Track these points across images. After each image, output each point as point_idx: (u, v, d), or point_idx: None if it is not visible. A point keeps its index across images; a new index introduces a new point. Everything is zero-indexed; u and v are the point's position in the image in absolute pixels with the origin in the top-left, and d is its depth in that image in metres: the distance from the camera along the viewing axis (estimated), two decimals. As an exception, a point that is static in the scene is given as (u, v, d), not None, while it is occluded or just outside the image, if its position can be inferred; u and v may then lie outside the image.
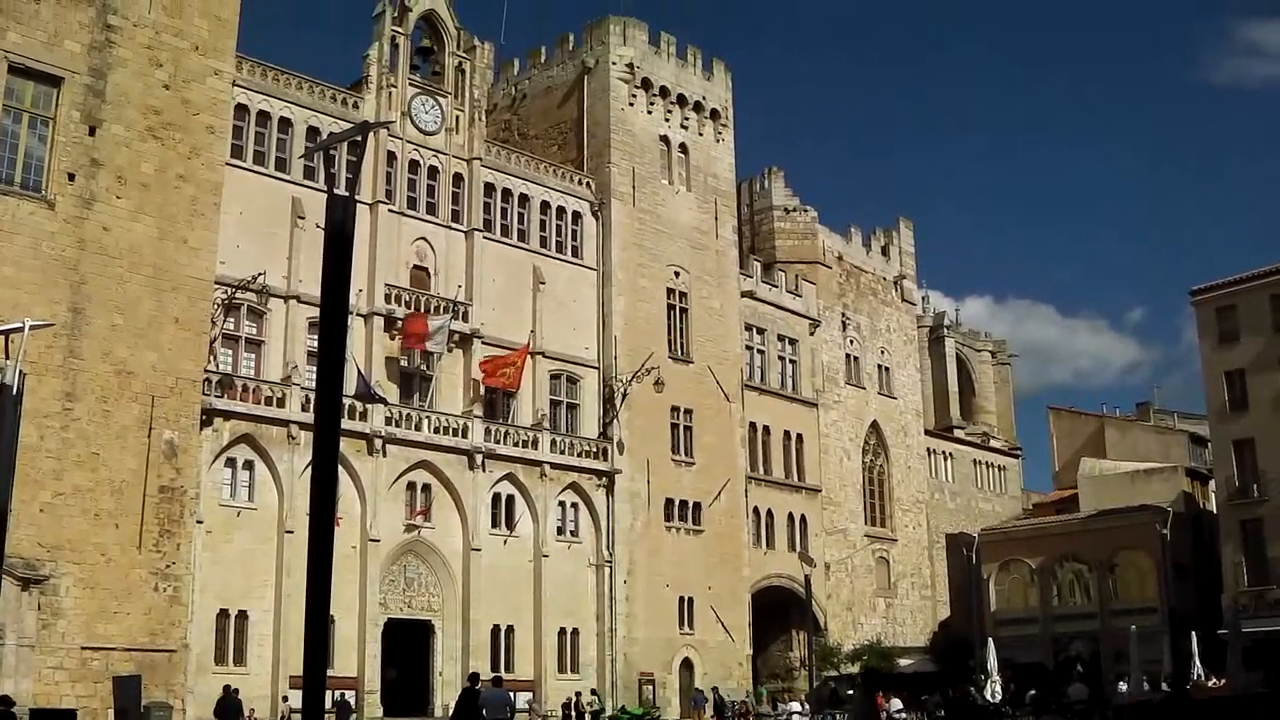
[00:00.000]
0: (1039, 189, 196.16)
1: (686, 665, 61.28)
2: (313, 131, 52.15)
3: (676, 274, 64.94)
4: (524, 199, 60.10)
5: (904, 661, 72.03)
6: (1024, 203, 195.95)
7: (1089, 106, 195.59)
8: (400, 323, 53.51)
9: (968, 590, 77.96)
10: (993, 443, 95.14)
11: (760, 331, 71.06)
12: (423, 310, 54.28)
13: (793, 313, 73.27)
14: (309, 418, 45.09)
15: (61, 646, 39.37)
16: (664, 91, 66.26)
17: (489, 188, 58.62)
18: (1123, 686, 58.98)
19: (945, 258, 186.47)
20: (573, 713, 52.40)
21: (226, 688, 41.60)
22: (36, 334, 28.98)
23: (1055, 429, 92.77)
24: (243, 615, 46.84)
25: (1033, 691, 55.62)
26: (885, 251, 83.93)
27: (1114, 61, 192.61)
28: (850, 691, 61.34)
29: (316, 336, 40.59)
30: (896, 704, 52.78)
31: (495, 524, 55.16)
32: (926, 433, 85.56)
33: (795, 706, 55.94)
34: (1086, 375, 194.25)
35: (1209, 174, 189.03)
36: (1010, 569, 75.64)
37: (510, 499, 55.94)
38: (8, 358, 23.71)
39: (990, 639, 62.34)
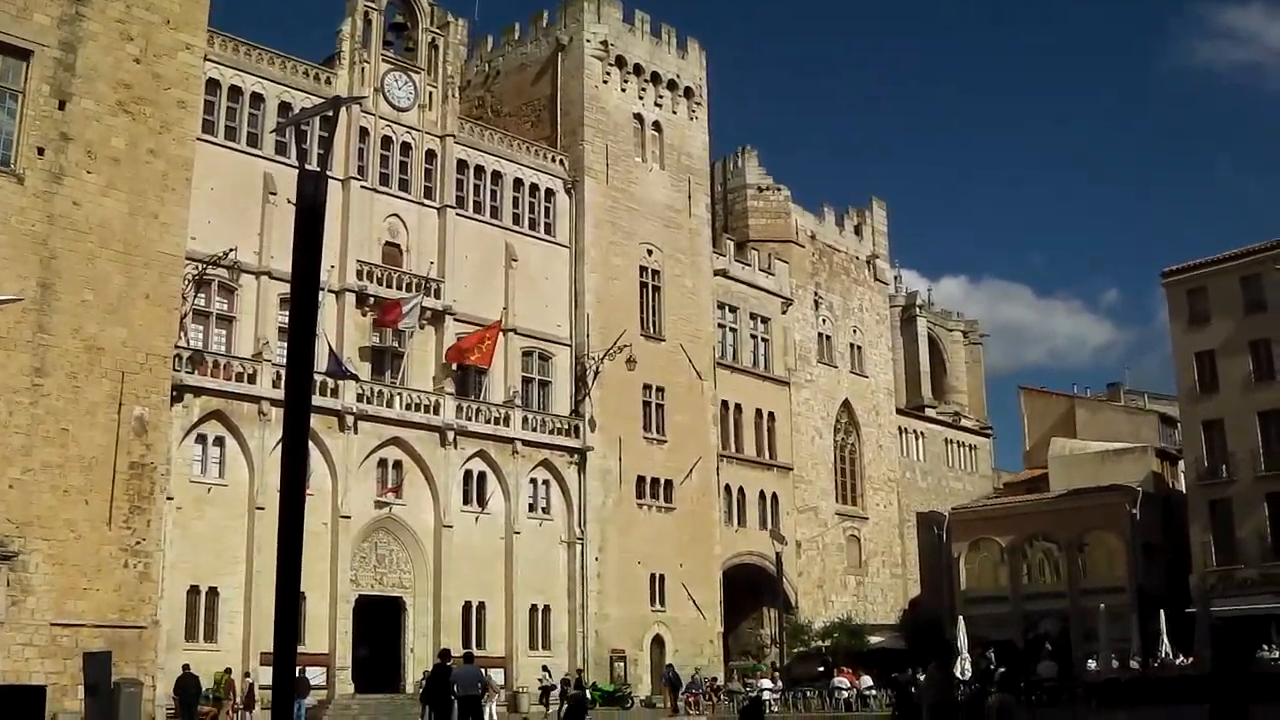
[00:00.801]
0: (1014, 170, 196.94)
1: (658, 642, 61.42)
2: (285, 107, 51.94)
3: (649, 252, 64.92)
4: (497, 176, 59.99)
5: (874, 639, 72.29)
6: (999, 184, 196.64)
7: (1063, 89, 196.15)
8: (373, 299, 53.42)
9: (938, 568, 78.34)
10: (964, 422, 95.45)
11: (733, 310, 71.12)
12: (395, 286, 54.17)
13: (765, 291, 73.35)
14: (280, 394, 44.81)
15: (31, 623, 39.22)
16: (638, 69, 66.18)
17: (462, 164, 58.49)
18: (1091, 664, 59.39)
19: (921, 238, 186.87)
20: (570, 689, 52.03)
21: (185, 667, 41.71)
22: (5, 309, 29.00)
23: (1026, 409, 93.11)
24: (213, 592, 46.77)
25: (1001, 669, 55.88)
26: (858, 231, 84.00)
27: (1088, 44, 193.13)
28: (820, 669, 61.71)
29: (288, 313, 40.46)
30: (866, 681, 53.06)
31: (467, 501, 55.15)
32: (898, 411, 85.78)
33: (766, 684, 56.11)
34: (1061, 355, 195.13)
35: (1183, 156, 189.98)
36: (981, 548, 75.99)
37: (482, 476, 55.91)
38: (-24, 332, 23.61)
39: (960, 617, 62.64)
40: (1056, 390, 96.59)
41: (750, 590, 69.14)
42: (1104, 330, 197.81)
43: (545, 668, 54.65)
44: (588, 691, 53.60)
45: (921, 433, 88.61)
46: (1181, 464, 74.52)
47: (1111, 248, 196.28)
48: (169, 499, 44.50)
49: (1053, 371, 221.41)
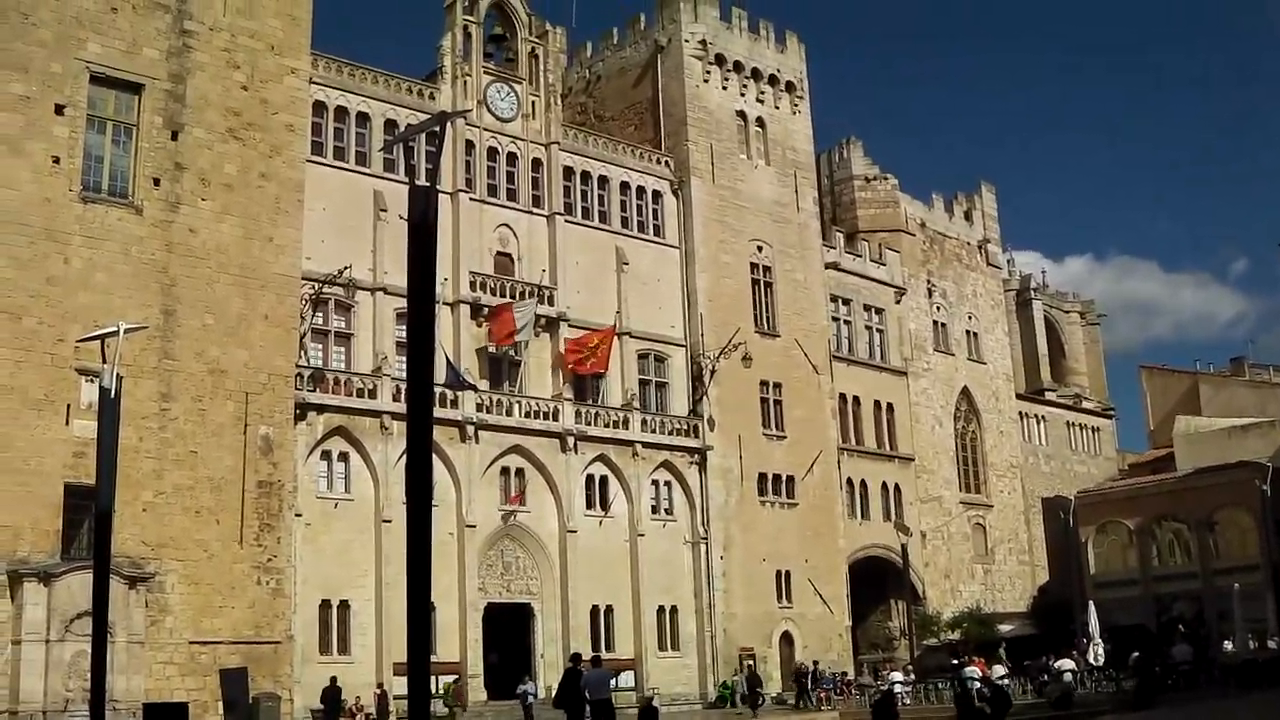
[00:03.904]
0: (1131, 143, 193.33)
1: (786, 639, 61.31)
2: (391, 124, 52.54)
3: (759, 248, 64.83)
4: (603, 181, 60.26)
5: (1004, 627, 71.58)
6: (1118, 156, 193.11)
7: (1172, 54, 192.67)
8: (486, 309, 53.84)
9: (1066, 554, 77.23)
10: (1085, 404, 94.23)
11: (846, 302, 70.79)
12: (508, 295, 54.55)
13: (877, 282, 72.94)
14: (401, 408, 45.50)
15: (170, 642, 40.09)
16: (738, 66, 66.12)
17: (568, 171, 58.84)
18: (1228, 646, 58.32)
19: (1041, 219, 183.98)
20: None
21: (332, 680, 42.62)
22: (131, 337, 29.56)
23: (1148, 387, 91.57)
24: (344, 605, 47.41)
25: (1135, 653, 55.07)
26: (968, 216, 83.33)
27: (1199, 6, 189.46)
28: (954, 660, 61.11)
29: (405, 327, 40.93)
30: (999, 670, 52.48)
31: (590, 505, 55.45)
32: (1018, 396, 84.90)
33: (897, 676, 55.73)
34: (1188, 330, 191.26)
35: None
36: (1108, 531, 74.78)
37: (604, 480, 56.20)
38: (105, 362, 24.16)
39: (1090, 602, 61.78)
40: (1179, 367, 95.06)
41: (877, 583, 68.83)
42: (1234, 302, 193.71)
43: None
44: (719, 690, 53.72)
45: (1043, 417, 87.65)
46: (1313, 436, 72.87)
47: (1239, 215, 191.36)
48: (297, 515, 45.27)
49: (1183, 346, 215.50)
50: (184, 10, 44.24)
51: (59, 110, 40.99)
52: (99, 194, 41.61)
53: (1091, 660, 55.24)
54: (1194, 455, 73.84)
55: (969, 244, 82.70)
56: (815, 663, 59.57)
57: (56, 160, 40.65)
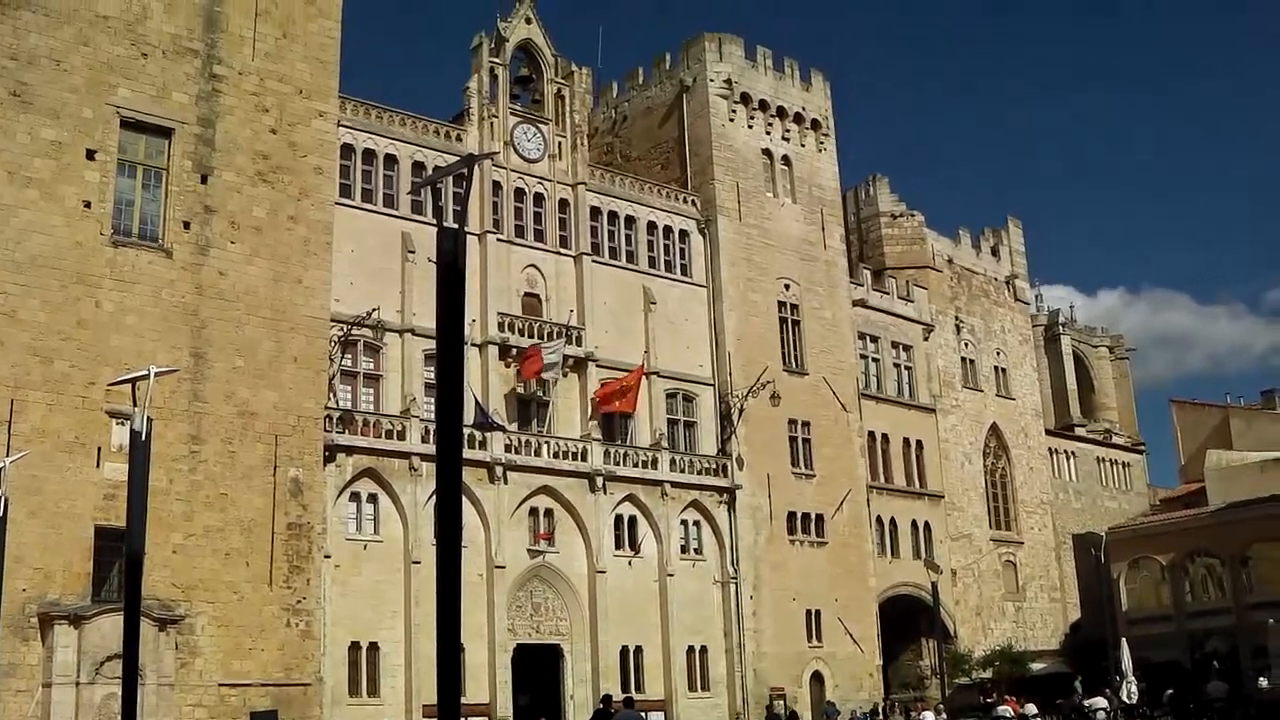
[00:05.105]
0: (1164, 174, 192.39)
1: (817, 678, 60.98)
2: (418, 166, 52.74)
3: (787, 286, 64.81)
4: (630, 220, 60.35)
5: (1036, 665, 71.13)
6: (1149, 188, 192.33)
7: (1203, 84, 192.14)
8: (515, 350, 53.89)
9: (1098, 590, 76.79)
10: (1115, 439, 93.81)
11: (874, 339, 70.67)
12: (536, 336, 54.62)
13: (905, 319, 72.82)
14: (430, 449, 45.54)
15: (200, 684, 40.12)
16: (763, 105, 66.25)
17: (595, 211, 58.95)
18: (1263, 682, 57.86)
19: (1074, 253, 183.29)
20: None
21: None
22: (161, 380, 29.65)
23: (1179, 422, 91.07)
24: (374, 647, 47.28)
25: (1170, 691, 54.63)
26: (995, 252, 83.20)
27: (1222, 44, 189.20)
28: (986, 700, 60.76)
29: (433, 368, 40.99)
30: (1031, 709, 52.15)
31: (619, 545, 55.30)
32: (1047, 432, 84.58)
33: (929, 715, 55.40)
34: (1224, 362, 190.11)
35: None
36: (1140, 567, 74.42)
37: (632, 520, 56.05)
38: (136, 405, 24.25)
39: (1124, 639, 61.40)
40: (1210, 401, 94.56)
41: (907, 621, 68.47)
42: (1269, 333, 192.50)
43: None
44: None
45: (1072, 452, 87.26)
46: (1346, 470, 72.30)
47: (1274, 244, 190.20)
48: (326, 557, 45.26)
49: (1217, 380, 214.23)
50: (213, 55, 44.62)
51: (90, 155, 41.34)
52: (129, 237, 41.91)
53: (1125, 699, 54.85)
54: (1226, 489, 73.45)
55: (997, 280, 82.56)
56: (892, 700, 59.52)
57: (88, 205, 40.98)
